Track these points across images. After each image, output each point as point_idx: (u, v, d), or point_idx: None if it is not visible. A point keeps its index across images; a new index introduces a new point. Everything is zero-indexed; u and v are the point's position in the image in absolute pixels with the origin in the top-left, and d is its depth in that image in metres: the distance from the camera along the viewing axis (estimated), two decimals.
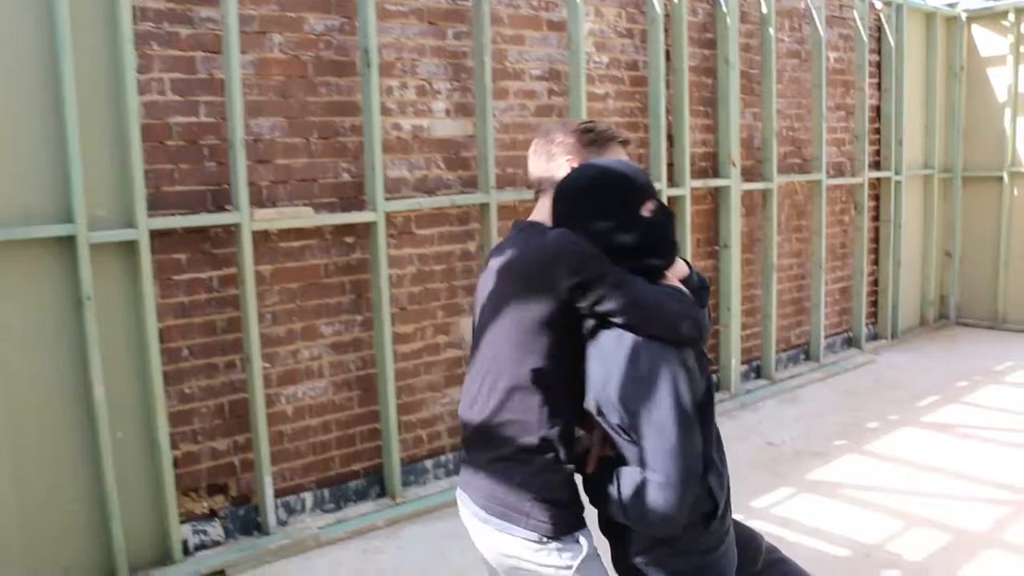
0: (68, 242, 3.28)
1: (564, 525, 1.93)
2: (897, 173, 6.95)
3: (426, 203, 4.19)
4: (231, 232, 3.67)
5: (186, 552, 3.67)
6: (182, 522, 3.67)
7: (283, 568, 3.67)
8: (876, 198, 7.03)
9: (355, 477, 4.16)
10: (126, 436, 3.49)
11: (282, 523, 3.93)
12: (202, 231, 3.65)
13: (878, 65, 6.88)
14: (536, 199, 2.14)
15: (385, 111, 4.07)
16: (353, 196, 4.02)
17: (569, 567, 1.92)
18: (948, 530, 3.84)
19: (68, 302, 3.31)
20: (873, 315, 7.19)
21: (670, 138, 5.24)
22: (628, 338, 1.84)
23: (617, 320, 1.85)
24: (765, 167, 5.85)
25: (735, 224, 5.63)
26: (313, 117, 3.89)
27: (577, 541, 1.94)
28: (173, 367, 3.63)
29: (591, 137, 2.10)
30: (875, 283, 7.16)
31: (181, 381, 3.66)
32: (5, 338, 3.22)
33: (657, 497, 1.78)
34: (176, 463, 3.66)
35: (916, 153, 7.30)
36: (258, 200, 3.76)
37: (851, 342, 6.93)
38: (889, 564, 3.58)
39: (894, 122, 6.90)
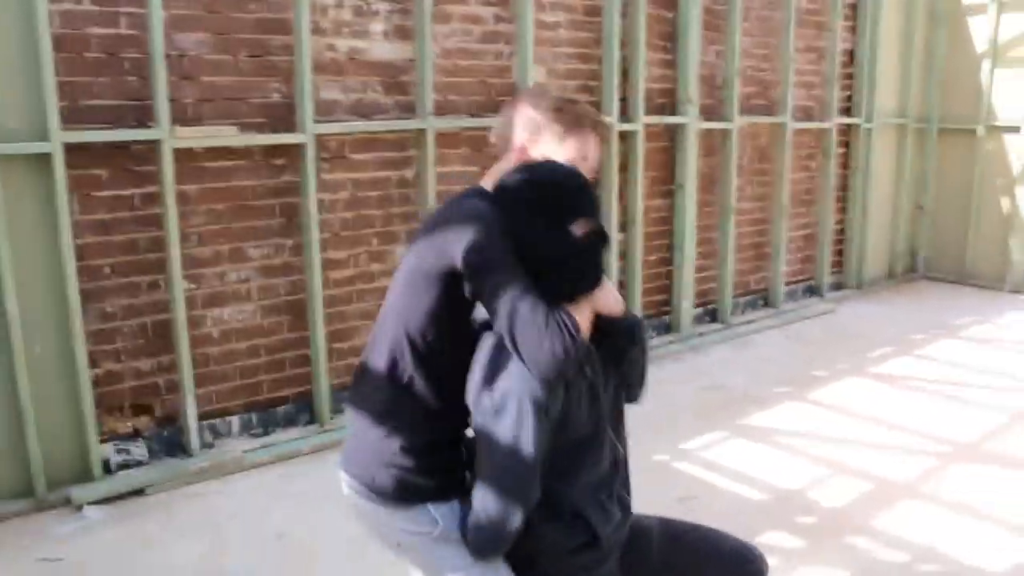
0: None
1: (412, 492, 1.84)
2: (868, 120, 6.86)
3: (359, 127, 4.14)
4: (153, 149, 3.63)
5: (109, 471, 3.70)
6: (106, 441, 3.71)
7: (203, 489, 3.70)
8: (846, 145, 6.96)
9: (284, 402, 4.17)
10: (44, 351, 3.48)
11: (208, 445, 3.95)
12: (123, 147, 3.60)
13: (853, 7, 6.76)
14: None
15: (319, 31, 4.00)
16: (284, 117, 3.96)
17: (428, 533, 1.84)
18: (871, 479, 3.86)
19: None
20: (839, 264, 7.17)
21: (625, 72, 5.18)
22: (495, 348, 1.79)
23: (490, 319, 1.77)
24: (726, 107, 5.77)
25: (691, 164, 5.57)
26: (241, 34, 3.81)
27: (430, 512, 1.84)
28: (93, 285, 3.61)
29: (564, 118, 1.93)
30: (842, 232, 7.14)
31: (102, 299, 3.65)
32: None
33: (473, 521, 1.79)
34: (98, 382, 3.67)
35: (890, 101, 7.20)
36: (183, 118, 3.70)
37: (813, 291, 6.92)
38: (805, 510, 3.60)
39: (867, 67, 6.80)
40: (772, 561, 3.07)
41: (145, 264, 3.71)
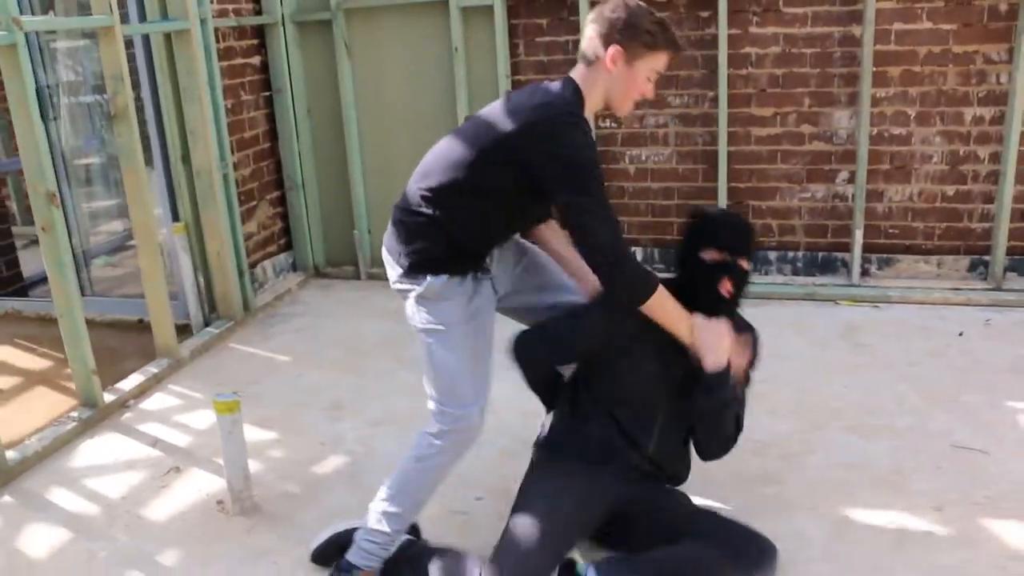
0: (444, 6, 4.17)
1: (417, 268, 2.10)
2: None
3: None
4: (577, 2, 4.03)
5: None
6: None
7: None
8: None
9: None
10: None
11: None
12: (559, 0, 4.11)
13: None
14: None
15: None
16: None
17: (411, 289, 2.12)
18: None
19: (445, 52, 4.24)
20: None
21: None
22: None
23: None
24: None
25: None
26: None
27: (426, 279, 2.08)
28: None
29: (644, 40, 2.00)
30: None
31: None
32: (404, 69, 4.36)
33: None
34: None
35: None
36: None
37: None
38: None
39: None
40: None
41: None
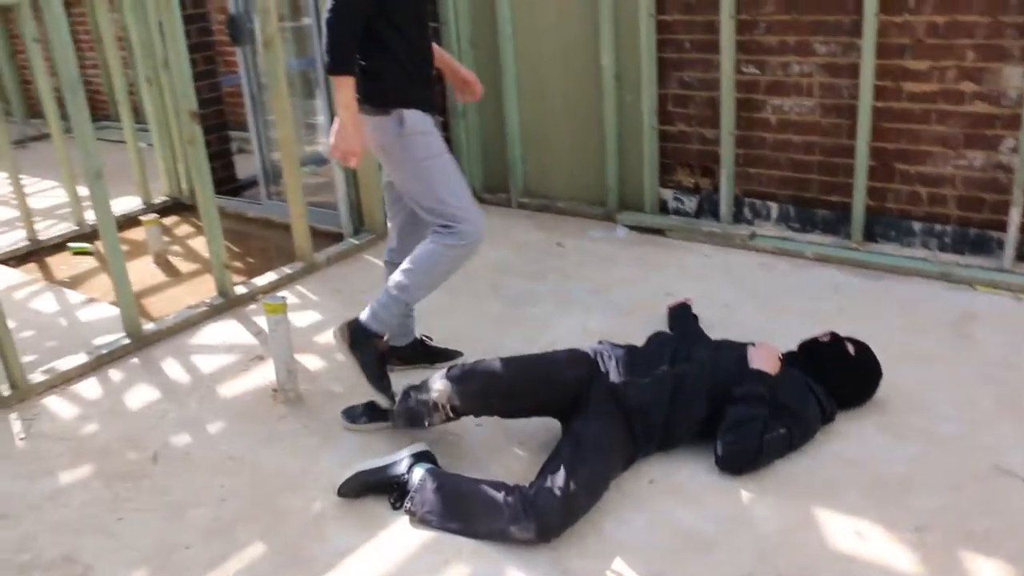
0: None
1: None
2: None
3: None
4: None
5: (663, 210, 4.36)
6: (669, 187, 4.34)
7: (690, 247, 4.07)
8: None
9: (827, 207, 3.91)
10: (635, 101, 4.23)
11: (744, 220, 4.14)
12: None
13: None
14: None
15: None
16: None
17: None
18: None
19: None
20: None
21: None
22: None
23: None
24: None
25: None
26: None
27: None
28: (676, 55, 4.09)
29: None
30: None
31: (682, 69, 4.10)
32: (557, 4, 4.31)
33: None
34: (672, 137, 4.25)
35: None
36: None
37: None
38: None
39: None
40: None
41: (719, 44, 3.93)
